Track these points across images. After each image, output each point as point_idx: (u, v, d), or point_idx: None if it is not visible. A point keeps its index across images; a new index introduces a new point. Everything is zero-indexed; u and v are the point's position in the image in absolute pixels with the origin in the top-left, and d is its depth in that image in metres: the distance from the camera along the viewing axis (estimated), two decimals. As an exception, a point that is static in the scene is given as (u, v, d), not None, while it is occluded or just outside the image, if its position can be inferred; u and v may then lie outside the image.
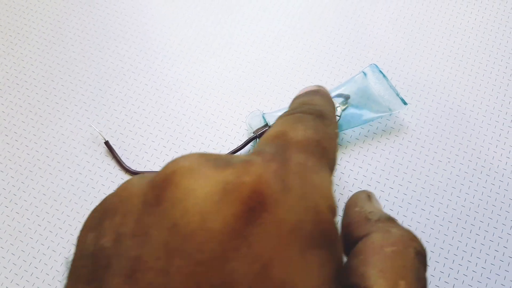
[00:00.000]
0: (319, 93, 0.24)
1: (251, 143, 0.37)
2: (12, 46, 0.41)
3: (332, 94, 0.37)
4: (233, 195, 0.14)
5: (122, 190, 0.15)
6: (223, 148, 0.37)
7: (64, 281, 0.14)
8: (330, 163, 0.18)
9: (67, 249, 0.33)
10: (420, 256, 0.15)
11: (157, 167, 0.36)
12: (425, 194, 0.35)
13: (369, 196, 0.22)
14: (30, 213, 0.34)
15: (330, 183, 0.17)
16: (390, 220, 0.19)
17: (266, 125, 0.36)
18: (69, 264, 0.15)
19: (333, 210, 0.16)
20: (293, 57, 0.40)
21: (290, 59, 0.40)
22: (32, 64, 0.40)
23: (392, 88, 0.36)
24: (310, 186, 0.15)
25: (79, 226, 0.34)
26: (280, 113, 0.37)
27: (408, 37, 0.41)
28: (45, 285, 0.32)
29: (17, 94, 0.39)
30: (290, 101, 0.38)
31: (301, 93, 0.25)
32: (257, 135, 0.36)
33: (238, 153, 0.37)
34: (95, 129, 0.36)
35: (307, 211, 0.15)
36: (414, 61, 0.40)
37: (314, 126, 0.19)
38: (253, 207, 0.14)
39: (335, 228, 0.16)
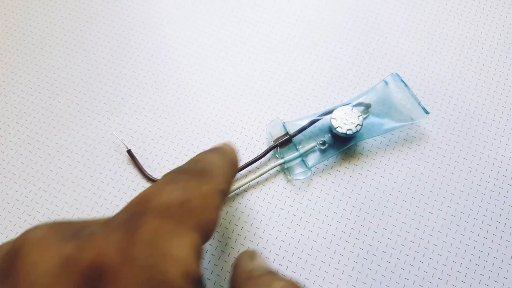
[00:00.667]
0: (219, 151, 0.24)
1: (271, 152, 0.37)
2: (34, 55, 0.41)
3: (353, 103, 0.37)
4: (72, 269, 0.14)
5: None
6: (244, 156, 0.37)
7: None
8: (200, 223, 0.17)
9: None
10: None
11: (178, 176, 0.36)
12: (446, 204, 0.35)
13: (251, 255, 0.23)
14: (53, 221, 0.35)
15: (190, 247, 0.16)
16: (272, 274, 0.20)
17: (287, 133, 0.36)
18: None
19: (189, 275, 0.16)
20: (313, 65, 0.40)
21: (310, 68, 0.40)
22: (54, 73, 0.40)
23: (414, 97, 0.36)
24: (160, 254, 0.15)
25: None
26: (300, 122, 0.37)
27: (428, 45, 0.41)
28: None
29: (39, 103, 0.39)
30: (310, 109, 0.38)
31: (210, 148, 0.26)
32: (277, 144, 0.36)
33: (259, 162, 0.37)
34: (117, 138, 0.37)
35: (151, 280, 0.15)
36: (434, 70, 0.40)
37: (184, 186, 0.18)
38: (92, 280, 0.14)
39: None
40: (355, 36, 0.41)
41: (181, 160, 0.37)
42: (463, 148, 0.37)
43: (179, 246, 0.16)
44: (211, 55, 0.41)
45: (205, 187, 0.19)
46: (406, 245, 0.34)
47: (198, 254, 0.17)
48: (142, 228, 0.16)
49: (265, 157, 0.37)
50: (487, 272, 0.33)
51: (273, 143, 0.36)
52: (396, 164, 0.36)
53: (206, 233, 0.18)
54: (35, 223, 0.35)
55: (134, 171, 0.36)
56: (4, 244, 0.17)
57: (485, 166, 0.36)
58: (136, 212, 0.17)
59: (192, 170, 0.20)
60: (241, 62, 0.41)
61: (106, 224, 0.16)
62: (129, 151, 0.36)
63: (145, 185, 0.36)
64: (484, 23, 0.41)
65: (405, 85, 0.37)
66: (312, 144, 0.36)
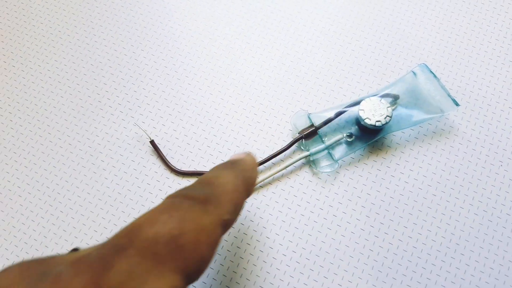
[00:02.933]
0: (236, 167, 0.22)
1: (296, 144, 0.36)
2: (58, 46, 0.41)
3: (380, 94, 0.36)
4: None
5: None
6: (268, 148, 0.36)
7: None
8: (186, 263, 0.16)
9: (113, 249, 0.33)
10: None
11: (201, 167, 0.35)
12: (477, 199, 0.34)
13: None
14: (75, 212, 0.34)
15: None
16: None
17: (312, 125, 0.36)
18: None
19: None
20: (338, 56, 0.39)
21: (335, 58, 0.39)
22: (74, 62, 0.40)
23: (443, 88, 0.35)
24: None
25: (124, 225, 0.34)
26: (326, 114, 0.36)
27: (456, 36, 0.40)
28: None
29: (64, 95, 0.39)
30: (335, 101, 0.38)
31: (230, 158, 0.24)
32: (302, 136, 0.35)
33: (283, 154, 0.36)
34: (140, 128, 0.36)
35: None
36: (463, 61, 0.39)
37: (181, 216, 0.17)
38: None
39: None
40: (380, 26, 0.40)
41: (204, 151, 0.36)
42: (494, 142, 0.36)
43: None
44: (234, 46, 0.40)
45: (206, 219, 0.17)
46: (437, 240, 0.33)
47: None
48: (115, 267, 0.14)
49: (290, 149, 0.36)
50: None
51: (298, 135, 0.36)
52: (425, 158, 0.35)
53: (191, 275, 0.16)
54: (56, 213, 0.34)
55: (157, 162, 0.35)
56: None
57: (517, 160, 0.35)
58: (117, 246, 0.15)
59: (198, 196, 0.18)
60: (264, 53, 0.40)
61: (77, 262, 0.15)
62: (152, 142, 0.35)
63: (168, 176, 0.35)
64: (514, 15, 0.40)
65: (434, 76, 0.36)
66: (339, 136, 0.35)
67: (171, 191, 0.35)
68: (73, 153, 0.36)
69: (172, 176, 0.35)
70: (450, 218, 0.33)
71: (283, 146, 0.36)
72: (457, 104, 0.35)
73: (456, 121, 0.36)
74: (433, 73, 0.36)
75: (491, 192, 0.34)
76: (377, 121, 0.34)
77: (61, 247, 0.33)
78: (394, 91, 0.36)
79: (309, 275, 0.32)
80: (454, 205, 0.34)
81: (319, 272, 0.32)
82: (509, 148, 0.35)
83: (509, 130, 0.36)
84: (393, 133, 0.36)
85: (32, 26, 0.41)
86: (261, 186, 0.35)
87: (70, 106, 0.38)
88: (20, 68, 0.40)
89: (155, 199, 0.35)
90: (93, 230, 0.34)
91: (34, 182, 0.35)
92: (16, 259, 0.33)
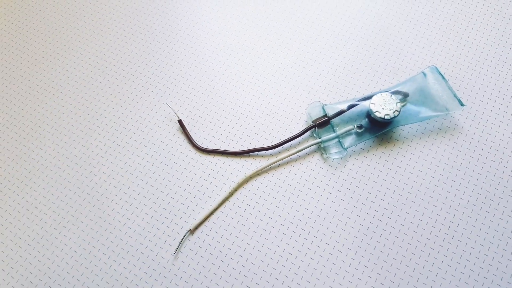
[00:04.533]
0: None
1: (309, 132, 0.40)
2: (95, 35, 0.45)
3: (391, 91, 0.39)
4: None
5: None
6: (283, 136, 0.39)
7: None
8: None
9: (141, 218, 0.37)
10: None
11: (225, 146, 0.39)
12: (477, 191, 0.36)
13: None
14: (108, 184, 0.38)
15: None
16: None
17: (325, 115, 0.39)
18: None
19: None
20: (354, 55, 0.43)
21: (351, 57, 0.42)
22: (111, 49, 0.44)
23: (451, 89, 0.38)
24: None
25: (153, 199, 0.37)
26: (339, 106, 0.39)
27: (465, 42, 0.42)
28: (125, 252, 0.36)
29: (98, 78, 0.43)
30: (349, 96, 0.41)
31: None
32: (316, 124, 0.39)
33: (297, 140, 0.39)
34: (169, 108, 0.40)
35: None
36: (470, 65, 0.41)
37: None
38: None
39: None
40: (394, 29, 0.43)
41: (226, 135, 0.39)
42: (496, 140, 0.38)
43: None
44: (260, 43, 0.44)
45: None
46: (436, 226, 0.35)
47: None
48: None
49: (303, 136, 0.40)
50: (514, 257, 0.34)
51: (311, 123, 0.39)
52: (430, 152, 0.38)
53: None
54: (91, 185, 0.38)
55: (184, 142, 0.39)
56: None
57: (517, 158, 0.37)
58: None
59: None
60: (286, 49, 0.43)
61: None
62: (180, 121, 0.39)
63: (193, 156, 0.39)
64: (523, 23, 0.43)
65: (443, 77, 0.39)
66: (349, 127, 0.38)
67: (195, 167, 0.39)
68: (109, 132, 0.40)
69: (197, 154, 0.39)
70: (450, 208, 0.36)
71: (296, 133, 0.39)
72: (462, 104, 0.38)
73: (461, 120, 0.39)
74: (442, 75, 0.39)
75: (490, 186, 0.37)
76: (386, 115, 0.37)
77: (94, 214, 0.37)
78: (405, 89, 0.39)
79: (315, 251, 0.35)
80: (455, 196, 0.36)
81: (325, 249, 0.35)
82: (510, 147, 0.38)
83: (510, 130, 0.38)
84: (401, 127, 0.39)
85: (77, 18, 0.46)
86: (274, 169, 0.38)
87: (105, 90, 0.42)
88: (61, 54, 0.44)
89: (180, 176, 0.38)
90: (124, 201, 0.37)
91: (72, 156, 0.39)
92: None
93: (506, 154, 0.38)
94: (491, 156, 0.38)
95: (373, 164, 0.38)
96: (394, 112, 0.37)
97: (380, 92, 0.38)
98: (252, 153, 0.39)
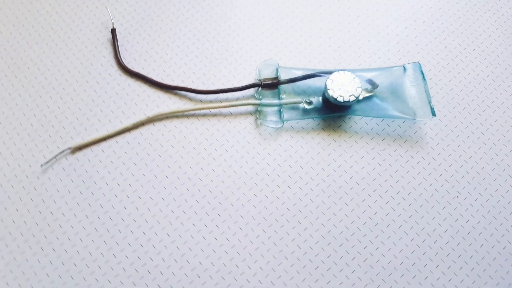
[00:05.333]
0: None
1: (252, 91, 0.34)
2: None
3: (360, 74, 0.32)
4: None
5: None
6: (222, 86, 0.33)
7: None
8: None
9: (26, 117, 0.31)
10: None
11: (154, 75, 0.33)
12: (411, 207, 0.30)
13: None
14: (12, 73, 0.33)
15: None
16: None
17: (276, 78, 0.33)
18: None
19: None
20: (340, 18, 0.36)
21: (337, 20, 0.36)
22: None
23: (427, 93, 0.32)
24: None
25: (47, 101, 0.32)
26: (296, 72, 0.33)
27: (461, 48, 0.36)
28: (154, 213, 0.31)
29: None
30: (315, 63, 0.34)
31: None
32: (261, 84, 0.32)
33: (236, 95, 0.33)
34: (108, 12, 0.34)
35: None
36: (459, 75, 0.35)
37: None
38: None
39: None
40: (392, 11, 0.37)
41: (162, 62, 0.34)
42: (460, 171, 0.31)
43: None
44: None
45: None
46: (352, 240, 0.29)
47: None
48: None
49: (244, 93, 0.34)
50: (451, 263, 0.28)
51: (257, 81, 0.33)
52: (378, 156, 0.32)
53: None
54: None
55: (109, 56, 0.34)
56: None
57: (477, 199, 0.31)
58: None
59: None
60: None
61: None
62: (113, 30, 0.34)
63: (113, 73, 0.33)
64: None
65: (423, 78, 0.32)
66: (298, 99, 0.32)
67: (109, 85, 0.33)
68: (37, 20, 0.35)
69: (118, 73, 0.33)
70: (375, 215, 0.30)
71: (238, 86, 0.33)
72: (433, 114, 0.31)
73: (428, 133, 0.33)
74: (423, 75, 0.32)
75: (428, 204, 0.30)
76: (339, 96, 0.31)
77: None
78: (379, 78, 0.33)
79: (193, 217, 0.29)
80: (387, 215, 0.30)
81: (213, 219, 0.29)
82: (475, 184, 0.31)
83: (471, 164, 0.32)
84: (356, 118, 0.33)
85: None
86: (197, 118, 0.32)
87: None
88: None
89: (89, 88, 0.33)
90: (18, 94, 0.32)
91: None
92: None
93: (466, 190, 0.31)
94: (447, 187, 0.31)
95: (306, 148, 0.32)
96: (350, 96, 0.31)
97: (345, 70, 0.32)
98: (179, 91, 0.33)
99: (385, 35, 0.36)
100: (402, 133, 0.32)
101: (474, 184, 0.31)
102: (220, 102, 0.33)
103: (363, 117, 0.33)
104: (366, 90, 0.32)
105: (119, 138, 0.31)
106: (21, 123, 0.31)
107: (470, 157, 0.32)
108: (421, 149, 0.32)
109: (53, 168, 0.30)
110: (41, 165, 0.30)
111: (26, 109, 0.32)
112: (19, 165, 0.30)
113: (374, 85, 0.33)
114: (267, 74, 0.33)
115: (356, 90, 0.31)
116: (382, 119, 0.33)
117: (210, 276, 0.28)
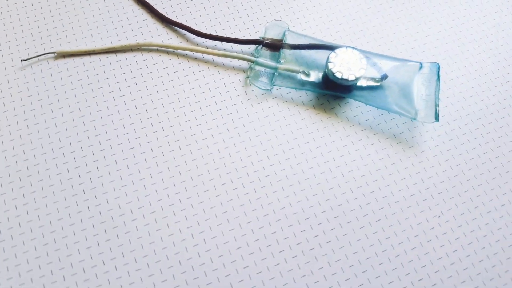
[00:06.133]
0: None
1: (252, 48, 0.31)
2: None
3: (377, 61, 0.29)
4: None
5: None
6: (231, 34, 0.31)
7: None
8: None
9: (24, 11, 0.31)
10: None
11: (159, 6, 0.32)
12: (387, 223, 0.27)
13: None
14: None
15: None
16: None
17: (281, 40, 0.30)
18: None
19: None
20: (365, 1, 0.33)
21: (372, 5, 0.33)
22: None
23: (437, 95, 0.28)
24: None
25: None
26: (305, 40, 0.30)
27: (493, 60, 0.31)
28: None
29: None
30: (332, 34, 0.32)
31: None
32: (262, 42, 0.30)
33: (234, 48, 0.31)
34: None
35: None
36: (480, 88, 0.30)
37: None
38: None
39: None
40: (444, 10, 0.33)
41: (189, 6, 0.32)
42: (451, 191, 0.27)
43: None
44: None
45: None
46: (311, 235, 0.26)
47: None
48: None
49: (243, 49, 0.31)
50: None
51: (260, 38, 0.31)
52: (362, 150, 0.28)
53: None
54: None
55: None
56: None
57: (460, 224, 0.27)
58: None
59: None
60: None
61: None
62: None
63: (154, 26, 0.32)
64: None
65: (437, 79, 0.29)
66: (296, 67, 0.30)
67: (108, 4, 0.32)
68: None
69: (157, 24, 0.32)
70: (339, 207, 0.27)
71: (239, 38, 0.31)
72: (436, 119, 0.27)
73: (428, 142, 0.29)
74: (438, 77, 0.29)
75: (399, 211, 0.27)
76: (338, 72, 0.28)
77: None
78: (391, 69, 0.29)
79: (155, 166, 0.28)
80: (353, 200, 0.27)
81: (168, 168, 0.28)
82: (464, 208, 0.27)
83: (475, 191, 0.28)
84: (352, 107, 0.30)
85: None
86: (188, 59, 0.31)
87: None
88: None
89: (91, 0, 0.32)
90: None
91: None
92: None
93: (447, 215, 0.27)
94: (430, 203, 0.27)
95: (289, 121, 0.29)
96: (349, 75, 0.28)
97: (354, 48, 0.29)
98: (178, 29, 0.32)
99: (416, 28, 0.32)
100: (398, 134, 0.29)
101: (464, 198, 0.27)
102: (215, 49, 0.31)
103: (361, 105, 0.30)
104: (374, 80, 0.29)
105: (103, 57, 0.30)
106: (19, 18, 0.31)
107: (465, 178, 0.28)
108: (413, 156, 0.28)
109: (31, 67, 0.30)
110: (21, 60, 0.29)
111: (29, 6, 0.32)
112: (1, 55, 0.30)
113: (384, 76, 0.29)
114: (274, 34, 0.31)
115: (359, 70, 0.28)
116: (381, 112, 0.30)
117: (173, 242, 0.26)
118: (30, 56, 0.30)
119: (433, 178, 0.28)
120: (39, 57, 0.30)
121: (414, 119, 0.28)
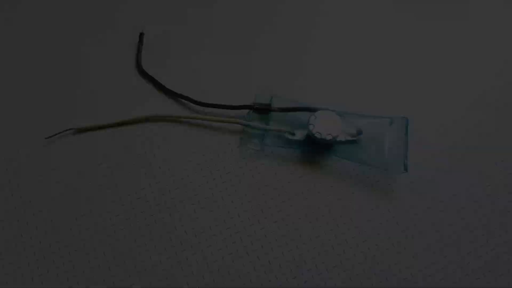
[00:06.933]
0: None
1: (244, 110, 0.36)
2: None
3: (352, 120, 0.34)
4: None
5: None
6: (218, 101, 0.36)
7: None
8: None
9: (37, 88, 0.36)
10: None
11: (165, 80, 0.37)
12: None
13: None
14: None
15: None
16: None
17: (269, 105, 0.35)
18: None
19: None
20: (353, 54, 0.38)
21: (352, 53, 0.38)
22: None
23: (405, 148, 0.32)
24: None
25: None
26: (288, 102, 0.35)
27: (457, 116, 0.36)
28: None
29: None
30: (314, 96, 0.36)
31: None
32: (253, 107, 0.35)
33: (229, 112, 0.36)
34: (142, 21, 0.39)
35: None
36: (448, 137, 0.35)
37: None
38: None
39: None
40: (396, 57, 0.38)
41: (176, 70, 0.37)
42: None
43: None
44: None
45: None
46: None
47: None
48: None
49: (237, 112, 0.36)
50: None
51: (252, 104, 0.35)
52: (346, 201, 0.33)
53: None
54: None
55: (130, 53, 0.38)
56: None
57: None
58: None
59: None
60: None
61: None
62: (141, 35, 0.38)
63: (128, 72, 0.37)
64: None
65: (406, 133, 0.33)
66: (282, 128, 0.34)
67: (122, 83, 0.37)
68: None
69: (132, 73, 0.37)
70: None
71: (232, 104, 0.36)
72: (405, 170, 0.32)
73: (402, 194, 0.33)
74: (407, 131, 0.33)
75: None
76: (317, 132, 0.32)
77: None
78: (365, 125, 0.34)
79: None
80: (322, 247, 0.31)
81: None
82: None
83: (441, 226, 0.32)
84: (336, 161, 0.34)
85: None
86: (187, 125, 0.35)
87: None
88: None
89: (94, 77, 0.37)
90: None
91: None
92: None
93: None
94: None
95: (280, 175, 0.34)
96: (327, 135, 0.32)
97: (334, 110, 0.34)
98: (180, 98, 0.37)
99: (389, 83, 0.37)
100: (375, 183, 0.33)
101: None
102: (214, 116, 0.36)
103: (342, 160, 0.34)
104: (351, 134, 0.34)
105: (117, 130, 0.35)
106: (38, 96, 0.36)
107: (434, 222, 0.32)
108: (389, 206, 0.33)
109: (54, 141, 0.34)
110: (45, 138, 0.34)
111: (46, 87, 0.37)
112: (24, 135, 0.35)
113: (358, 131, 0.34)
114: (263, 99, 0.36)
115: (336, 130, 0.32)
116: (359, 165, 0.34)
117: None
118: (52, 134, 0.35)
119: (409, 232, 0.32)
120: (60, 134, 0.35)
121: (385, 171, 0.32)
